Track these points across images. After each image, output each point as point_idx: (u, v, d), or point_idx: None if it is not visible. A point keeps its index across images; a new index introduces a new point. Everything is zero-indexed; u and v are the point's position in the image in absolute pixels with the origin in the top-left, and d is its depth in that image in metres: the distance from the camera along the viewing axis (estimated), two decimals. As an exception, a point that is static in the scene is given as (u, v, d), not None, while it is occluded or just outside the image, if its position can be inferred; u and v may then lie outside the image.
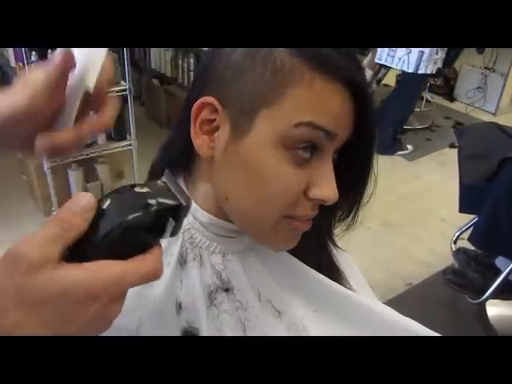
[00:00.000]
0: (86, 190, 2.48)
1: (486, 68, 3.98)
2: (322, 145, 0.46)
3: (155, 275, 0.36)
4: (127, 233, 0.35)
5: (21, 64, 2.13)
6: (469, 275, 1.84)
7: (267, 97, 0.45)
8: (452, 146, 3.35)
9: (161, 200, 0.37)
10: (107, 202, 0.36)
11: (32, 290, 0.32)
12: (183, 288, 0.53)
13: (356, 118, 0.48)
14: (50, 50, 2.10)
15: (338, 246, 0.65)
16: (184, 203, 0.38)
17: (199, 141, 0.49)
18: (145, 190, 0.38)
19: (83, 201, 0.35)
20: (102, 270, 0.33)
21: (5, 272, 0.32)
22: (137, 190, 0.37)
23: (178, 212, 0.38)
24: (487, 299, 1.76)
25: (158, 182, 0.39)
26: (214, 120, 0.48)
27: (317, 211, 0.50)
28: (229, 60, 0.47)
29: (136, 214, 0.35)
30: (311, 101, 0.44)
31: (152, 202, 0.36)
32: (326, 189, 0.47)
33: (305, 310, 0.58)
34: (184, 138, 0.50)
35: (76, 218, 0.34)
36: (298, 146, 0.45)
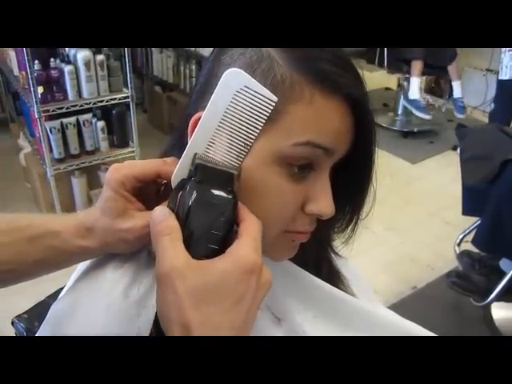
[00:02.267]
0: (89, 197, 2.49)
1: (487, 70, 3.97)
2: (320, 161, 0.46)
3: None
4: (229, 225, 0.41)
5: (24, 73, 2.15)
6: (473, 278, 1.83)
7: None
8: (454, 148, 3.34)
9: (231, 188, 0.42)
10: (194, 199, 0.41)
11: (204, 289, 0.37)
12: None
13: (355, 132, 0.47)
14: (52, 59, 2.11)
15: (337, 254, 0.65)
16: (235, 172, 0.43)
17: None
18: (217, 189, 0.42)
19: (156, 212, 0.42)
20: (239, 251, 0.39)
21: (167, 290, 0.37)
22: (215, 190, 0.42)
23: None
24: (492, 302, 1.75)
25: (207, 165, 0.43)
26: None
27: (315, 225, 0.50)
28: None
29: (230, 211, 0.41)
30: (311, 118, 0.44)
31: (231, 195, 0.41)
32: (323, 204, 0.47)
33: (304, 316, 0.57)
34: (183, 149, 0.49)
35: (166, 221, 0.40)
36: (295, 162, 0.45)
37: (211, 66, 0.48)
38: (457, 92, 3.56)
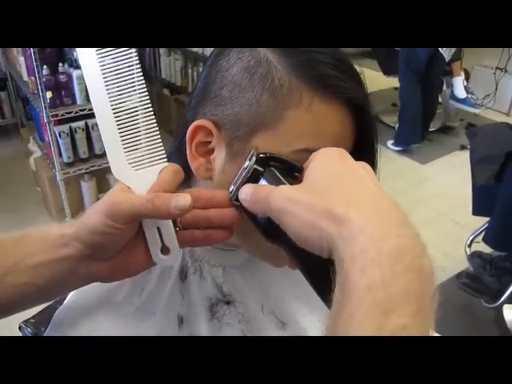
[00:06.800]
0: (98, 200, 2.50)
1: (497, 68, 3.94)
2: None
3: None
4: None
5: (33, 78, 2.17)
6: (484, 279, 1.81)
7: (264, 120, 0.43)
8: (463, 147, 3.32)
9: None
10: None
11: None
12: (184, 302, 0.52)
13: (356, 134, 0.47)
14: (60, 64, 2.13)
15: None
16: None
17: (196, 163, 0.47)
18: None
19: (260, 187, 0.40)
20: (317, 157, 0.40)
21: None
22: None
23: None
24: (503, 303, 1.74)
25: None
26: (210, 142, 0.47)
27: None
28: (226, 77, 0.45)
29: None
30: (309, 124, 0.43)
31: None
32: None
33: (309, 320, 0.57)
34: (183, 156, 0.49)
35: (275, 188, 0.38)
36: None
37: (209, 71, 0.48)
38: (459, 90, 3.55)
